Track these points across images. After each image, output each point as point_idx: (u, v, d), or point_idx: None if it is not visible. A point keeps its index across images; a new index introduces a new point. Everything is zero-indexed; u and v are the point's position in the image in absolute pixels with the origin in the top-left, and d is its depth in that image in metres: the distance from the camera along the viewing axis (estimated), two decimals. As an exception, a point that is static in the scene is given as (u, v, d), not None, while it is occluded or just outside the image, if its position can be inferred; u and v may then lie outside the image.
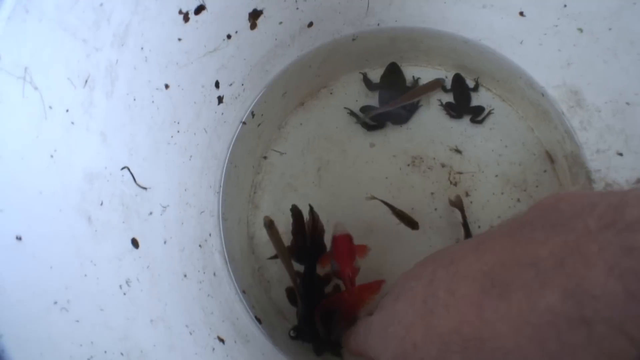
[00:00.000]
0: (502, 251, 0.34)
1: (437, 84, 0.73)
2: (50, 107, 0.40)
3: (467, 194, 0.71)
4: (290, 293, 0.65)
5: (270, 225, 0.61)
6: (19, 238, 0.36)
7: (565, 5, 0.61)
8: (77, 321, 0.38)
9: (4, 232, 0.35)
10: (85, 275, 0.41)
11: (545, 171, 0.73)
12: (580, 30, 0.62)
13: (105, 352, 0.39)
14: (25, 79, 0.38)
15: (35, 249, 0.37)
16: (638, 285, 0.25)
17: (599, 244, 0.28)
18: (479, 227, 0.70)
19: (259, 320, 0.63)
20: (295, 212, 0.63)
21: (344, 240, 0.59)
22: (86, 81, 0.44)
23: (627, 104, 0.62)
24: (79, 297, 0.39)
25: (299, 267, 0.64)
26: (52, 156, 0.40)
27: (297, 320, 0.64)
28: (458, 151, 0.72)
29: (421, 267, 0.44)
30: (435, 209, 0.71)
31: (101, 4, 0.44)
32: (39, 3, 0.38)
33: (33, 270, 0.36)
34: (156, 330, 0.46)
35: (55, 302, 0.37)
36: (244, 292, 0.64)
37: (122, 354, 0.40)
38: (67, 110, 0.42)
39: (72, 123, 0.43)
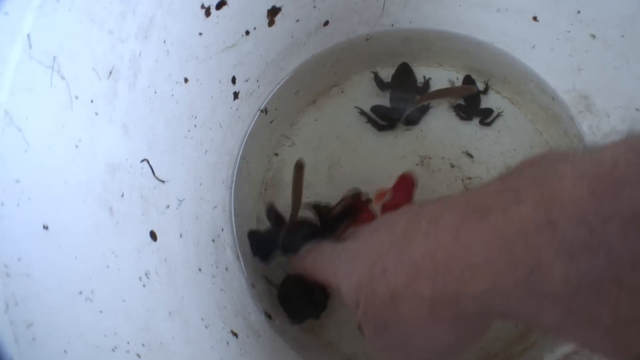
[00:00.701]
0: (489, 186, 0.35)
1: (468, 90, 0.73)
2: (77, 97, 0.40)
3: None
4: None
5: (300, 168, 0.60)
6: (45, 227, 0.36)
7: (579, 12, 0.62)
8: (101, 312, 0.38)
9: (32, 221, 0.35)
10: (108, 266, 0.41)
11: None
12: (593, 36, 0.63)
13: (128, 342, 0.39)
14: (53, 68, 0.38)
15: (61, 239, 0.37)
16: (602, 186, 0.27)
17: (572, 164, 0.30)
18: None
19: (269, 316, 0.64)
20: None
21: (409, 180, 0.62)
22: (110, 72, 0.44)
23: (637, 109, 0.63)
24: (101, 288, 0.39)
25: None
26: (76, 146, 0.40)
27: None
28: (469, 155, 0.72)
29: (408, 207, 0.44)
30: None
31: (128, -5, 0.44)
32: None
33: (59, 260, 0.36)
34: (174, 322, 0.46)
35: (80, 292, 0.37)
36: (253, 285, 0.65)
37: (143, 345, 0.40)
38: (92, 101, 0.42)
39: (96, 114, 0.42)
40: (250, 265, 0.66)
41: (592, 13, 0.61)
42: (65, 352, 0.33)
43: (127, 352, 0.38)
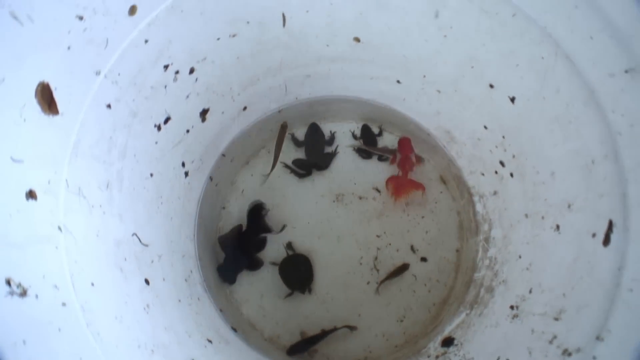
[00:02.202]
0: None
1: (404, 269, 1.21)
2: (92, 206, 0.87)
3: (380, 217, 1.20)
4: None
5: (283, 128, 1.21)
6: (93, 284, 0.82)
7: (424, 76, 1.10)
8: (128, 328, 0.85)
9: (84, 280, 0.81)
10: (126, 302, 0.87)
11: (441, 192, 1.23)
12: (439, 91, 1.11)
13: (146, 343, 0.85)
14: (79, 194, 0.85)
15: (102, 289, 0.83)
16: None
17: None
18: (390, 244, 1.20)
19: (234, 330, 1.10)
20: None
21: (407, 141, 1.21)
22: (107, 185, 0.91)
23: (478, 139, 1.11)
24: (126, 315, 0.86)
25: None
26: (97, 235, 0.87)
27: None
28: (376, 189, 1.21)
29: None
30: (355, 234, 1.21)
31: (110, 137, 0.91)
32: (85, 146, 0.85)
33: (102, 300, 0.83)
34: (169, 334, 0.92)
35: (116, 317, 0.83)
36: (221, 310, 1.11)
37: (154, 344, 0.86)
38: (100, 206, 0.89)
39: (104, 213, 0.89)
40: (215, 296, 1.13)
41: (433, 76, 1.09)
42: (116, 347, 0.79)
43: (146, 348, 0.84)
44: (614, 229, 0.81)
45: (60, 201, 0.81)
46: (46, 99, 0.80)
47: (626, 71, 0.76)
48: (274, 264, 1.21)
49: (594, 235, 0.84)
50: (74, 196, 0.83)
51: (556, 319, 0.88)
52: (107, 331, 0.81)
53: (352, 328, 1.17)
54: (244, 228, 1.21)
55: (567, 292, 0.88)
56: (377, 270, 1.20)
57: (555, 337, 0.86)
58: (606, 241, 0.82)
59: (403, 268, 1.20)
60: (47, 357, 0.69)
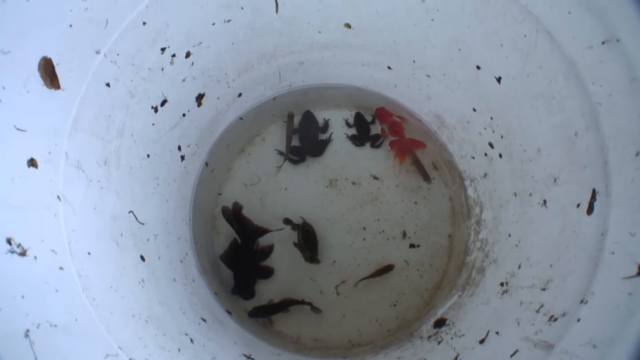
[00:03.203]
0: None
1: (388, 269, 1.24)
2: (91, 181, 0.91)
3: (373, 203, 1.25)
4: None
5: (291, 117, 1.29)
6: (89, 253, 0.86)
7: (414, 61, 1.15)
8: (123, 297, 0.88)
9: (81, 249, 0.85)
10: (121, 275, 0.91)
11: (433, 178, 1.27)
12: (428, 76, 1.16)
13: (140, 314, 0.88)
14: (78, 167, 0.89)
15: (99, 258, 0.87)
16: None
17: None
18: (383, 230, 1.24)
19: (229, 312, 1.13)
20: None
21: (382, 110, 1.29)
22: (105, 162, 0.95)
23: (468, 122, 1.15)
24: (121, 286, 0.89)
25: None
26: (95, 208, 0.91)
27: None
28: (373, 176, 1.25)
29: None
30: (348, 219, 1.25)
31: (109, 115, 0.95)
32: (84, 122, 0.89)
33: (99, 270, 0.86)
34: (163, 308, 0.96)
35: (111, 287, 0.87)
36: (216, 293, 1.15)
37: (148, 316, 0.90)
38: (98, 181, 0.93)
39: (101, 188, 0.94)
40: (211, 279, 1.17)
41: (422, 61, 1.14)
42: (111, 313, 0.83)
43: (140, 318, 0.88)
44: (597, 197, 0.85)
45: (60, 172, 0.85)
46: (49, 73, 0.85)
47: (603, 42, 0.81)
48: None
49: (578, 205, 0.88)
50: (73, 169, 0.87)
51: (543, 289, 0.91)
52: (103, 298, 0.85)
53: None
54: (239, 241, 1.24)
55: (553, 263, 0.91)
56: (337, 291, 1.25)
57: (542, 305, 0.89)
58: (590, 209, 0.86)
59: (387, 269, 1.23)
60: (44, 314, 0.73)
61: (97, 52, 0.89)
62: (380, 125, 1.31)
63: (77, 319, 0.77)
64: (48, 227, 0.80)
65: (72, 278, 0.81)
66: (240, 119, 1.27)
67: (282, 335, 1.20)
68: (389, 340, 1.17)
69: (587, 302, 0.79)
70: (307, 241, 1.22)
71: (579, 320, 0.79)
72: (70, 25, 0.83)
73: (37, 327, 0.70)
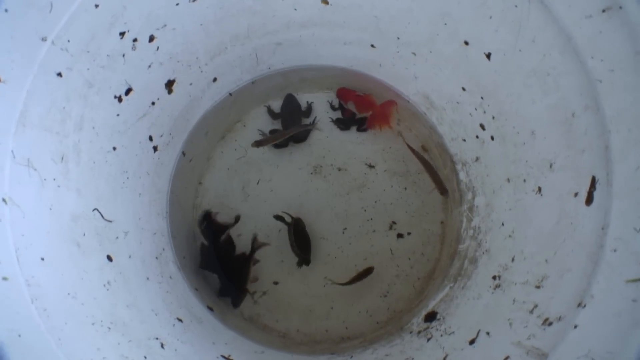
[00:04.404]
0: None
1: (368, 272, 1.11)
2: (45, 179, 0.80)
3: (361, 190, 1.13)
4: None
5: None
6: (42, 259, 0.76)
7: (398, 38, 1.01)
8: (82, 304, 0.78)
9: (33, 255, 0.75)
10: (82, 278, 0.81)
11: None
12: (414, 54, 1.02)
13: (102, 321, 0.78)
14: (29, 166, 0.78)
15: (53, 265, 0.77)
16: None
17: None
18: (371, 218, 1.12)
19: (210, 309, 1.03)
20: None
21: (343, 89, 1.17)
22: (62, 158, 0.84)
23: (457, 102, 1.02)
24: (81, 291, 0.79)
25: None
26: (50, 209, 0.81)
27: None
28: (369, 164, 1.13)
29: None
30: (334, 207, 1.13)
31: (64, 107, 0.84)
32: (33, 116, 0.78)
33: (52, 276, 0.76)
34: (131, 311, 0.86)
35: (69, 294, 0.77)
36: (196, 289, 1.04)
37: (111, 322, 0.80)
38: (54, 179, 0.82)
39: (59, 186, 0.83)
40: (190, 275, 1.06)
41: (407, 37, 1.01)
42: (65, 323, 0.73)
43: (102, 325, 0.78)
44: (597, 186, 0.73)
45: (5, 172, 0.74)
46: (-16, 65, 0.74)
47: (603, 10, 0.67)
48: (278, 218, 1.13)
49: (576, 194, 0.75)
50: (22, 168, 0.76)
51: (537, 287, 0.79)
52: (56, 307, 0.74)
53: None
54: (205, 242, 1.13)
55: (549, 258, 0.79)
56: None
57: (536, 306, 0.77)
58: (589, 200, 0.73)
59: (367, 272, 1.10)
60: (-23, 334, 0.64)
61: (43, 40, 0.77)
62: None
63: (21, 335, 0.67)
64: (-11, 234, 0.70)
65: (19, 288, 0.70)
66: (230, 94, 1.15)
67: (268, 330, 1.09)
68: (378, 334, 1.07)
69: (585, 305, 0.67)
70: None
71: (575, 326, 0.67)
72: (6, 10, 0.71)
73: (-34, 350, 0.61)
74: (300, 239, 1.11)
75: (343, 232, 1.13)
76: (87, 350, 0.75)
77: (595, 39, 0.70)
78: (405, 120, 1.16)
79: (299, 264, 1.13)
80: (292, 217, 1.12)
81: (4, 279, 0.70)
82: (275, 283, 1.12)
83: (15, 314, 0.69)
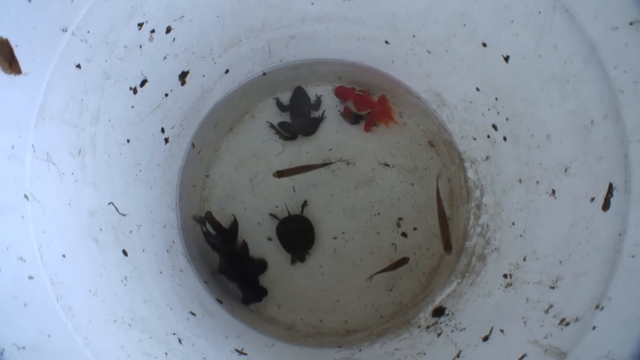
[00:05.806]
0: None
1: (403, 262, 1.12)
2: (64, 174, 0.79)
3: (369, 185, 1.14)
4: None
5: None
6: (64, 256, 0.75)
7: (414, 36, 1.02)
8: (103, 301, 0.78)
9: (54, 252, 0.74)
10: (101, 275, 0.80)
11: (431, 158, 1.16)
12: (429, 52, 1.03)
13: (122, 317, 0.79)
14: (48, 160, 0.77)
15: (74, 262, 0.76)
16: None
17: None
18: (378, 213, 1.14)
19: (220, 302, 1.04)
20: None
21: (341, 88, 1.17)
22: (79, 152, 0.83)
23: (470, 102, 1.04)
24: (101, 288, 0.79)
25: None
26: (69, 204, 0.80)
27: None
28: (383, 162, 1.14)
29: None
30: (342, 201, 1.15)
31: (82, 100, 0.83)
32: (53, 109, 0.77)
33: (75, 272, 0.76)
34: (149, 306, 0.86)
35: (90, 291, 0.76)
36: (206, 282, 1.05)
37: (131, 319, 0.80)
38: (72, 173, 0.81)
39: (76, 181, 0.82)
40: (200, 267, 1.07)
41: (423, 36, 1.01)
42: (90, 322, 0.73)
43: (123, 322, 0.78)
44: (614, 193, 0.75)
45: (27, 168, 0.73)
46: (6, 56, 0.71)
47: (631, 23, 0.69)
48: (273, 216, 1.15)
49: (592, 199, 0.78)
50: (41, 162, 0.75)
51: (552, 287, 0.82)
52: (80, 305, 0.74)
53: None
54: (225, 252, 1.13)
55: (563, 260, 0.82)
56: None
57: (551, 306, 0.80)
58: (605, 205, 0.76)
59: (402, 262, 1.12)
60: (10, 335, 0.63)
61: (64, 30, 0.75)
62: (344, 104, 1.17)
63: (50, 335, 0.67)
64: (14, 232, 0.69)
65: (44, 287, 0.70)
66: (264, 74, 1.13)
67: (276, 322, 1.11)
68: (385, 327, 1.09)
69: (603, 308, 0.70)
70: (286, 241, 1.13)
71: (594, 328, 0.70)
72: (29, 1, 0.69)
73: (1, 354, 0.60)
74: (287, 237, 1.13)
75: (350, 227, 1.15)
76: (113, 348, 0.75)
77: (621, 50, 0.72)
78: (413, 116, 1.18)
79: (292, 262, 1.14)
80: (288, 214, 1.14)
81: (30, 277, 0.70)
82: (282, 277, 1.14)
83: (42, 313, 0.69)
